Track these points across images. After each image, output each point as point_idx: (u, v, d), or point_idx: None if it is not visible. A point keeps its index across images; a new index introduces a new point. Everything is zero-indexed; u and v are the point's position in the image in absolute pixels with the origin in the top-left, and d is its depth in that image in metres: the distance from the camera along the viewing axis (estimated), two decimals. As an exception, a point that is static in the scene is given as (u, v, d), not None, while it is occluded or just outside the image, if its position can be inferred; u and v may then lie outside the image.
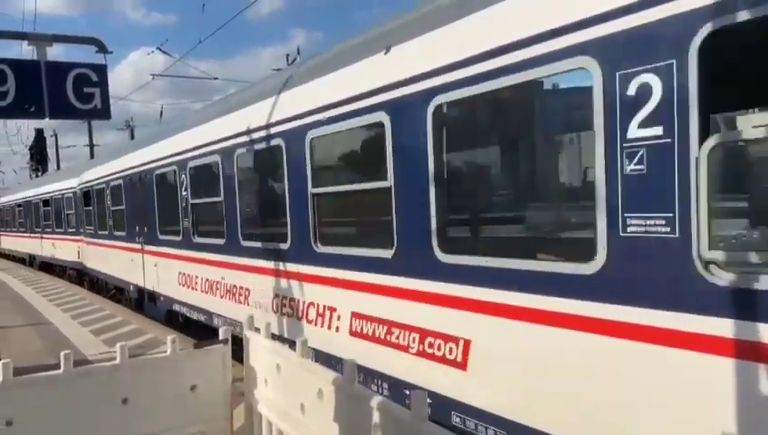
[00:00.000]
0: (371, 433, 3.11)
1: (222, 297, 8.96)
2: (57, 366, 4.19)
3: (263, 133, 7.54)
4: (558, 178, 5.41)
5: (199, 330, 10.15)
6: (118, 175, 13.93)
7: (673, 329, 3.29)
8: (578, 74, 3.79)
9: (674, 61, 3.23)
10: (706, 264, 3.15)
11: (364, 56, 5.94)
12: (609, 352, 3.63)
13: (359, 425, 3.24)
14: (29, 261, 28.70)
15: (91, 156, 39.79)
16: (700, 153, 3.13)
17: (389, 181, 5.39)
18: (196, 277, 9.85)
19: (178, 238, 10.38)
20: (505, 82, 4.25)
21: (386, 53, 5.54)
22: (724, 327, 3.08)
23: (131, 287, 13.72)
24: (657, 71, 3.30)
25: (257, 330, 4.80)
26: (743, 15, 2.94)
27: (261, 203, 8.30)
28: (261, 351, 4.70)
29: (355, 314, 5.98)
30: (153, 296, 12.19)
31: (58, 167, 45.81)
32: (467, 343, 4.64)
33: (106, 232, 15.44)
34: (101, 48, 8.11)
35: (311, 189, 6.56)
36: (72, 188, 19.66)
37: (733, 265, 3.13)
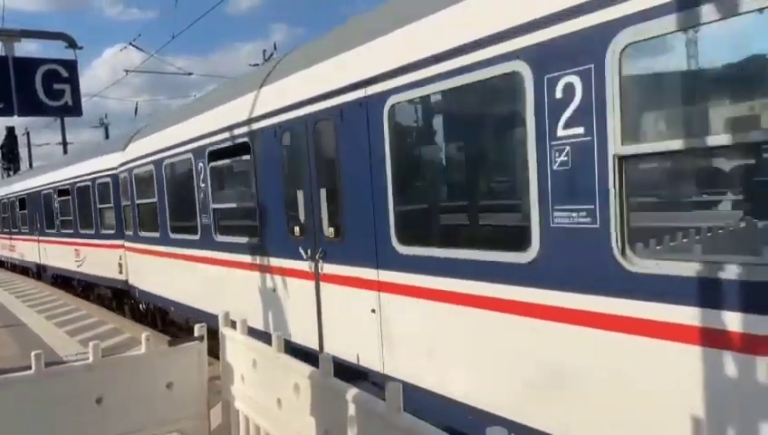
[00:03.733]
0: (347, 425, 3.12)
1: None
2: (28, 367, 4.12)
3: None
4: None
5: (180, 330, 10.21)
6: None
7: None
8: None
9: None
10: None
11: None
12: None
13: (335, 418, 3.25)
14: None
15: (65, 154, 39.24)
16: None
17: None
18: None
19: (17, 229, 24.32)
20: None
21: None
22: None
23: None
24: None
25: (233, 326, 4.77)
26: None
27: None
28: (237, 347, 4.67)
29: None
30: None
31: (30, 166, 44.84)
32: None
33: None
34: (71, 43, 7.94)
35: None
36: None
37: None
